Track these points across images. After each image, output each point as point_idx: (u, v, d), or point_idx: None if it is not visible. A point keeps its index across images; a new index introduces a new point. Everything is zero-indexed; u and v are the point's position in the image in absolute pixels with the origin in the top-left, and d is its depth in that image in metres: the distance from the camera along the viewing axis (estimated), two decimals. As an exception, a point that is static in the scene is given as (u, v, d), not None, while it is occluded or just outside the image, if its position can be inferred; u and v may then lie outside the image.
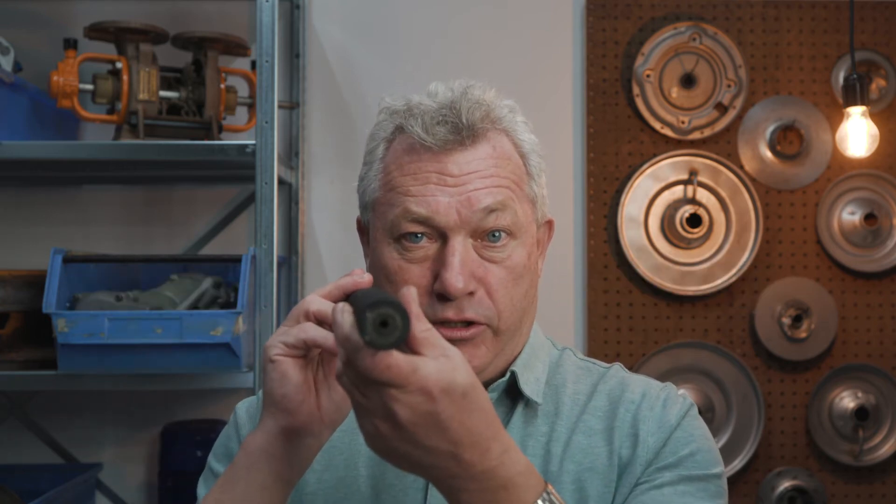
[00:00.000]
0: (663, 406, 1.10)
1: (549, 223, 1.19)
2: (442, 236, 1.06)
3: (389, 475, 1.09)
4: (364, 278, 0.95)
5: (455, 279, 1.03)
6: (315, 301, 0.94)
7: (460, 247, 1.05)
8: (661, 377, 2.13)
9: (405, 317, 0.75)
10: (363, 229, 1.18)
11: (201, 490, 1.13)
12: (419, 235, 1.06)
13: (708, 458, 1.07)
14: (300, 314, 0.94)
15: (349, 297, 0.91)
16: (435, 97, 1.10)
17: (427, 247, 1.07)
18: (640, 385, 1.13)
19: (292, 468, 0.96)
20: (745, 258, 2.54)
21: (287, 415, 0.94)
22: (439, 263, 1.05)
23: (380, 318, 0.74)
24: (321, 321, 0.94)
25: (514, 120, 1.13)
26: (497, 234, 1.07)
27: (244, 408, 1.18)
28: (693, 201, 2.53)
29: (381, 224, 1.10)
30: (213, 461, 1.15)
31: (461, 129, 1.07)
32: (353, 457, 1.11)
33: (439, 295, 1.04)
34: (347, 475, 1.11)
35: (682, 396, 1.13)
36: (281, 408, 0.94)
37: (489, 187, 1.07)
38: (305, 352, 0.95)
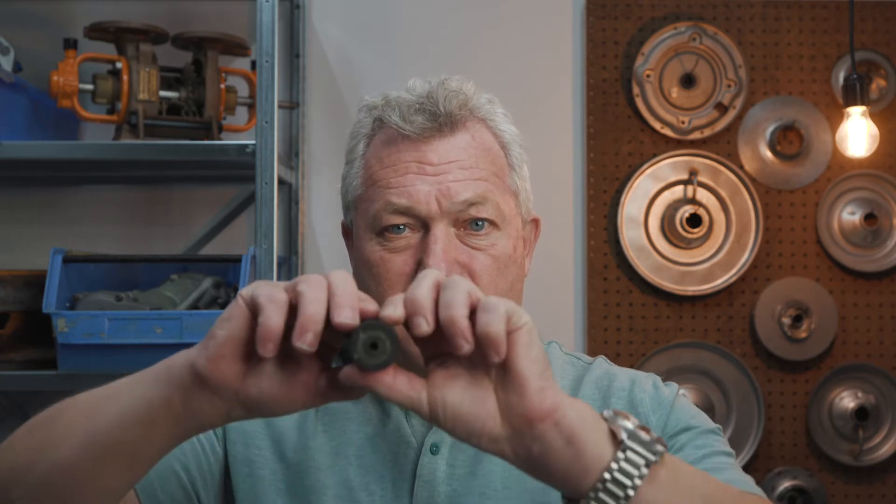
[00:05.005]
0: (654, 387, 1.13)
1: (535, 221, 1.20)
2: (424, 226, 1.07)
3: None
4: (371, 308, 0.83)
5: (438, 265, 1.03)
6: (313, 290, 0.78)
7: (442, 234, 1.06)
8: (661, 377, 2.12)
9: (395, 341, 0.76)
10: (347, 232, 1.18)
11: None
12: (401, 227, 1.07)
13: (708, 420, 1.12)
14: (291, 287, 0.80)
15: None
16: (413, 91, 1.11)
17: (409, 237, 1.07)
18: (626, 374, 1.16)
19: (188, 409, 0.82)
20: (745, 258, 2.54)
21: (205, 358, 0.80)
22: (421, 251, 1.06)
23: (370, 340, 0.76)
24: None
25: (492, 110, 1.14)
26: (480, 222, 1.08)
27: None
28: (693, 201, 2.53)
29: (363, 220, 1.10)
30: None
31: (439, 117, 1.07)
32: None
33: None
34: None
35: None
36: (205, 345, 0.80)
37: (468, 179, 1.07)
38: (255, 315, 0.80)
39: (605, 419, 0.80)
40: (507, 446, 0.78)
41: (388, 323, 0.77)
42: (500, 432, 0.78)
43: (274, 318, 0.77)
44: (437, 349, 0.79)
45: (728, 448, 1.09)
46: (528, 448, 0.78)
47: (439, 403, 0.78)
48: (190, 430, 0.84)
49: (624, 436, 0.78)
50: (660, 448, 0.79)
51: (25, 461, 0.88)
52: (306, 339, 0.76)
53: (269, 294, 0.78)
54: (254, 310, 0.78)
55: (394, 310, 0.77)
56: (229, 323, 0.79)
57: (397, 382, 0.78)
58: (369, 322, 0.77)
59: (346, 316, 0.76)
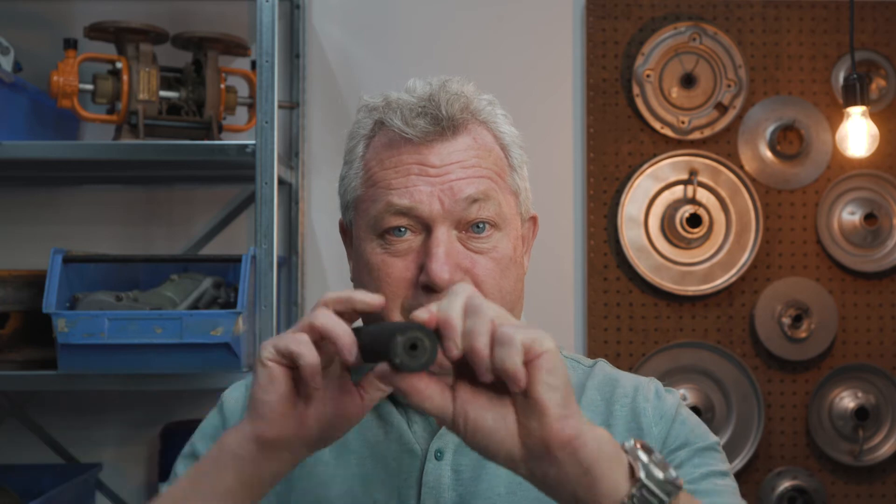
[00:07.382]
0: (657, 396, 1.13)
1: (534, 219, 1.20)
2: (426, 228, 1.06)
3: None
4: (375, 301, 0.90)
5: (440, 269, 1.02)
6: (323, 316, 0.88)
7: (444, 237, 1.05)
8: (661, 377, 2.13)
9: (433, 340, 0.78)
10: (346, 231, 1.18)
11: (179, 468, 1.12)
12: (402, 229, 1.06)
13: (708, 433, 1.12)
14: (305, 326, 0.88)
15: (359, 330, 0.88)
16: (413, 92, 1.10)
17: (411, 240, 1.06)
18: (629, 380, 1.16)
19: (262, 477, 0.91)
20: (745, 258, 2.54)
21: (265, 424, 0.89)
22: (424, 255, 1.05)
23: (409, 342, 0.78)
24: (323, 336, 0.87)
25: (493, 112, 1.13)
26: (481, 225, 1.07)
27: (233, 397, 1.17)
28: (693, 201, 2.53)
29: (363, 221, 1.10)
30: (197, 442, 1.14)
31: (441, 121, 1.07)
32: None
33: (425, 286, 1.03)
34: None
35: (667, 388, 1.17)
36: (260, 414, 0.89)
37: (471, 177, 1.07)
38: (292, 363, 0.88)
39: (626, 451, 0.82)
40: (522, 466, 0.81)
41: (425, 324, 0.79)
42: (517, 453, 0.80)
43: (312, 356, 0.86)
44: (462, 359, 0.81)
45: (725, 466, 1.10)
46: (545, 471, 0.80)
47: (461, 416, 0.81)
48: (265, 492, 0.93)
49: (642, 474, 0.80)
50: (673, 489, 0.80)
51: None
52: (353, 353, 0.85)
53: (297, 339, 0.87)
54: (291, 360, 0.87)
55: (425, 313, 0.81)
56: (273, 385, 0.88)
57: (429, 389, 0.81)
58: (407, 324, 0.78)
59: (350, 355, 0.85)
